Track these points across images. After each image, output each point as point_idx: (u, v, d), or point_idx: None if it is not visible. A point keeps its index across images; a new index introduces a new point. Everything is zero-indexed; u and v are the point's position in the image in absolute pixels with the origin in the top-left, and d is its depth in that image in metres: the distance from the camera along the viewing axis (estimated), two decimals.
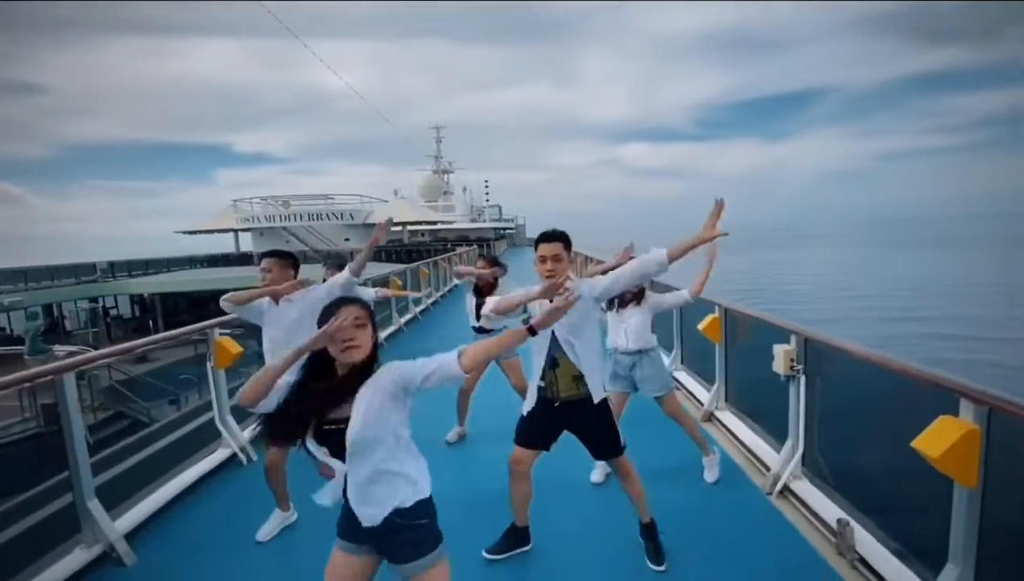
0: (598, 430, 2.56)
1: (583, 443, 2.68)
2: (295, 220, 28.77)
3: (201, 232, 29.19)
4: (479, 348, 1.69)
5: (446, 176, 57.75)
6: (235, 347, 3.82)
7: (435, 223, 37.45)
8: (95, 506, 2.66)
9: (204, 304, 23.06)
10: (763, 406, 4.11)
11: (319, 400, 1.58)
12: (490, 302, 2.36)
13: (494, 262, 4.15)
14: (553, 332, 2.40)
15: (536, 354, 2.48)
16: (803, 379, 3.16)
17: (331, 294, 2.83)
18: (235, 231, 29.35)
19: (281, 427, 1.62)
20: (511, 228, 55.25)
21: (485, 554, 2.63)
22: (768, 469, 3.44)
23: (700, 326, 4.53)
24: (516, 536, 2.71)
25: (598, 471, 3.50)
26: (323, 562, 2.69)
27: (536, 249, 2.45)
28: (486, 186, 61.07)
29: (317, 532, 2.97)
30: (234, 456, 3.83)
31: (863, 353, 2.66)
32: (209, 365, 3.78)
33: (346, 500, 1.64)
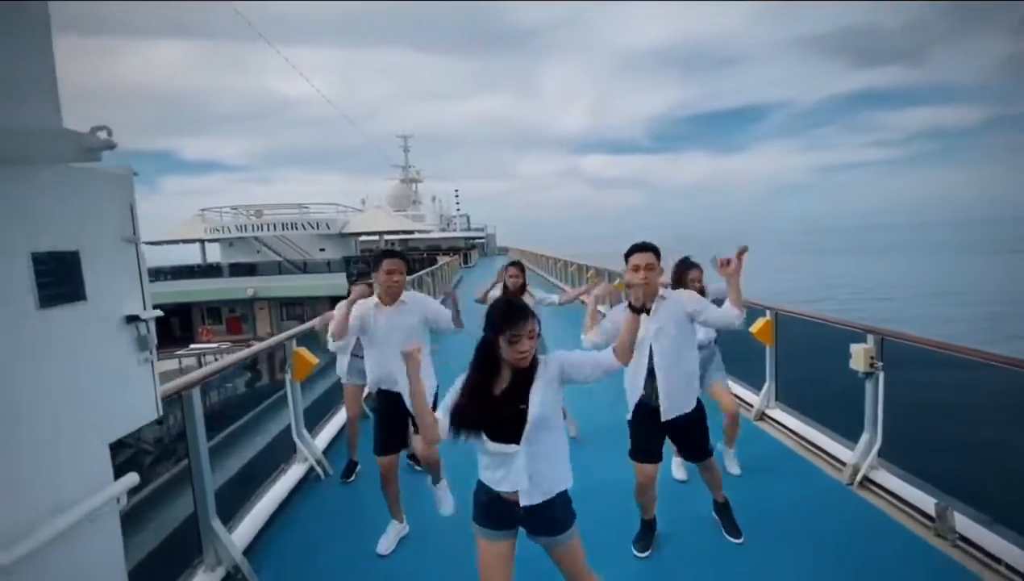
0: (697, 434, 2.74)
1: (677, 445, 2.89)
2: (267, 230, 27.84)
3: (167, 242, 27.83)
4: (623, 341, 1.89)
5: (414, 185, 57.33)
6: (312, 358, 3.74)
7: (412, 233, 37.04)
8: (218, 525, 2.57)
9: (166, 320, 22.04)
10: (819, 402, 4.37)
11: (503, 394, 1.76)
12: (593, 337, 2.52)
13: (522, 269, 4.32)
14: (650, 345, 2.58)
15: (634, 366, 2.55)
16: (882, 375, 3.38)
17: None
18: (202, 241, 28.14)
19: (468, 419, 1.74)
20: (481, 237, 55.34)
21: (637, 553, 2.76)
22: (838, 461, 3.65)
23: (752, 329, 4.74)
24: (650, 528, 2.86)
25: (680, 468, 3.68)
26: (438, 568, 2.72)
27: (628, 260, 2.57)
28: (456, 195, 61.06)
29: (427, 540, 2.98)
30: (311, 470, 3.74)
31: (961, 349, 2.89)
32: (287, 377, 3.68)
33: (487, 491, 1.81)
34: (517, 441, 1.73)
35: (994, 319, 23.07)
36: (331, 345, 3.88)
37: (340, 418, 4.78)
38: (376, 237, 29.92)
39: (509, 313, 1.71)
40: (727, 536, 2.90)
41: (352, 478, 3.81)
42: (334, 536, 3.06)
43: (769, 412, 4.69)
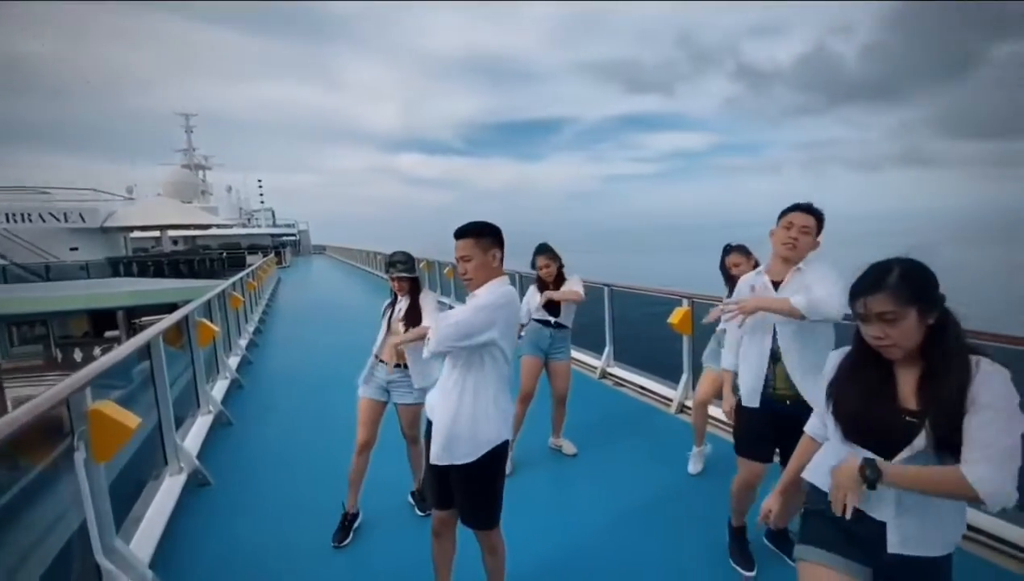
0: None
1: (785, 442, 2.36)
2: None
3: None
4: None
5: (202, 173, 48.67)
6: (130, 420, 2.22)
7: (209, 227, 30.85)
8: None
9: None
10: None
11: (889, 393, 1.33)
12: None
13: (554, 255, 3.74)
14: (774, 323, 2.22)
15: (751, 346, 2.28)
16: None
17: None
18: None
19: (870, 429, 1.32)
20: (292, 234, 49.30)
21: (746, 573, 2.45)
22: None
23: (672, 319, 4.58)
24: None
25: (693, 461, 3.51)
26: None
27: (781, 219, 2.23)
28: (260, 186, 53.51)
29: None
30: None
31: None
32: (80, 458, 2.09)
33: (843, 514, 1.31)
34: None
35: None
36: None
37: (168, 494, 3.15)
38: (156, 232, 24.18)
39: (862, 278, 1.32)
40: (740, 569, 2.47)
41: (348, 541, 2.76)
42: None
43: (690, 404, 4.55)
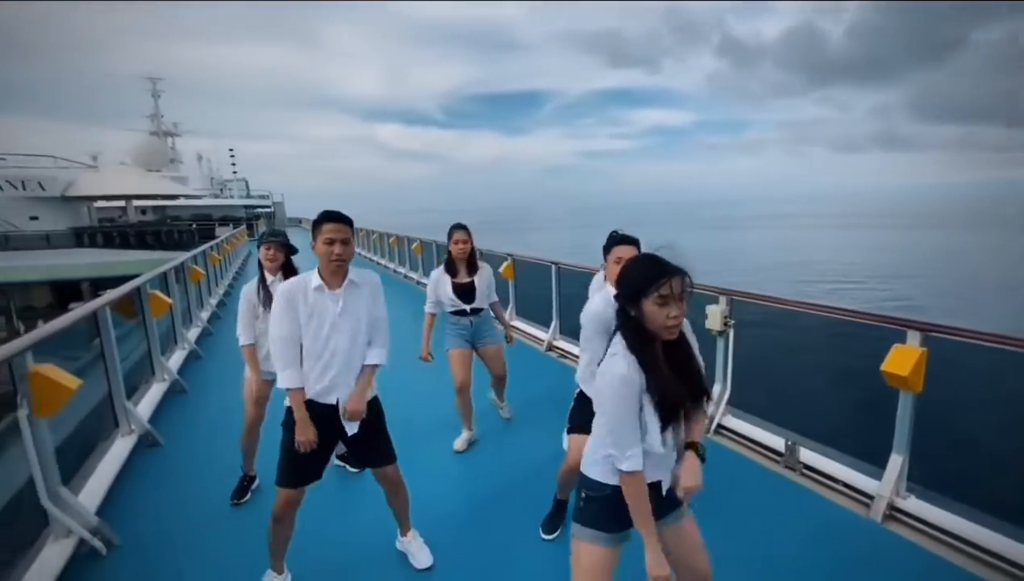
0: None
1: None
2: None
3: None
4: None
5: (171, 140, 47.13)
6: (70, 381, 2.45)
7: (177, 197, 30.05)
8: None
9: None
10: None
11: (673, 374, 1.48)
12: None
13: (470, 234, 3.58)
14: None
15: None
16: (732, 333, 3.70)
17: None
18: None
19: (673, 405, 1.46)
20: (267, 206, 48.34)
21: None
22: None
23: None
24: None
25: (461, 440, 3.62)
26: None
27: (611, 251, 2.26)
28: (232, 155, 52.02)
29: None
30: (81, 546, 2.50)
31: (794, 301, 3.29)
32: (23, 414, 2.33)
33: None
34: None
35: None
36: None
37: (117, 453, 3.40)
38: (121, 202, 23.56)
39: (653, 266, 1.41)
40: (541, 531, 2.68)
41: (246, 498, 3.04)
42: None
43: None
